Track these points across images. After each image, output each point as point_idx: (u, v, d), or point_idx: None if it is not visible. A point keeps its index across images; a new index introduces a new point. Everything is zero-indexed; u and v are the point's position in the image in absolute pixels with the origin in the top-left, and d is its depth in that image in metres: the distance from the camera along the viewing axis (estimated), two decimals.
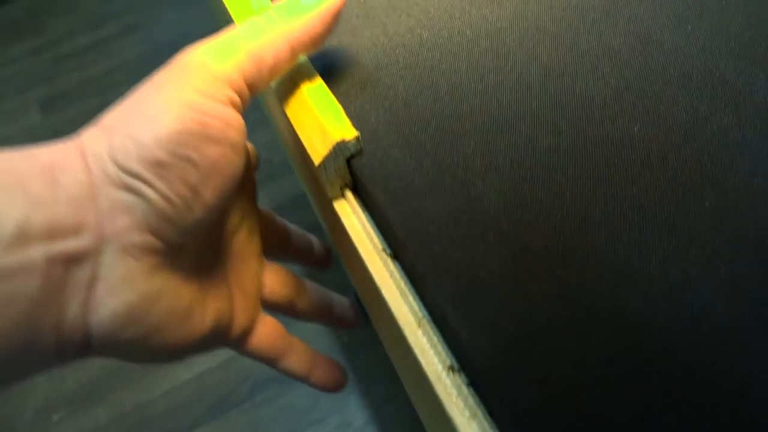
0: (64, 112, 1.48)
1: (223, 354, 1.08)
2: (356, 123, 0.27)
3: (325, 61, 0.30)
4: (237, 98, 0.23)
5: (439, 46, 0.30)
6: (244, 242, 0.29)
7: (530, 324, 0.20)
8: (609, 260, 0.21)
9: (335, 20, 0.26)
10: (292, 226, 0.36)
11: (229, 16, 0.34)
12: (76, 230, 0.20)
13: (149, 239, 0.21)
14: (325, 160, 0.25)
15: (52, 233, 0.19)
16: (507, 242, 0.22)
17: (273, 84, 0.29)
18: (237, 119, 0.23)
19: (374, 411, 1.01)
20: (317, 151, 0.26)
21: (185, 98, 0.21)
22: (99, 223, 0.20)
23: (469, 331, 0.21)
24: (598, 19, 0.29)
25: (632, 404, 0.18)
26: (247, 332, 0.29)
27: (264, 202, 1.29)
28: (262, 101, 0.48)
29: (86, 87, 1.52)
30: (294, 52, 0.25)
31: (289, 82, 0.28)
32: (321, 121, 0.26)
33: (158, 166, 0.21)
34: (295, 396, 1.04)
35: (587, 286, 0.21)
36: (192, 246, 0.24)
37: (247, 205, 0.29)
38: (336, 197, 0.27)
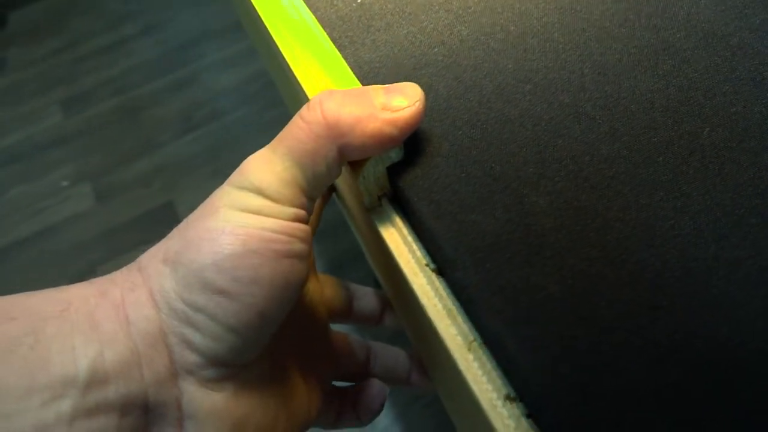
0: (85, 112, 1.48)
1: None
2: None
3: (360, 61, 0.28)
4: (303, 199, 0.22)
5: (481, 43, 0.28)
6: (308, 323, 0.28)
7: (599, 353, 0.18)
8: (683, 281, 0.19)
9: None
10: (355, 287, 0.34)
11: (254, 10, 0.32)
12: (148, 366, 0.19)
13: (222, 371, 0.20)
14: (365, 169, 0.24)
15: (127, 372, 0.19)
16: (567, 261, 0.20)
17: (305, 88, 0.27)
18: (301, 229, 0.21)
19: (399, 410, 0.99)
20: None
21: (241, 217, 0.20)
22: (171, 360, 0.20)
23: (528, 360, 0.19)
24: (654, 13, 0.27)
25: None
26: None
27: None
28: (288, 100, 0.46)
29: (106, 87, 1.52)
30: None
31: (323, 84, 0.26)
32: None
33: (222, 295, 0.19)
34: None
35: (660, 309, 0.19)
36: (265, 354, 0.23)
37: (308, 286, 0.28)
38: (374, 207, 0.26)
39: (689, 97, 0.23)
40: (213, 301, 0.19)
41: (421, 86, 0.26)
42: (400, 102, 0.22)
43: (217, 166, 1.32)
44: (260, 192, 0.21)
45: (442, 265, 0.23)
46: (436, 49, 0.28)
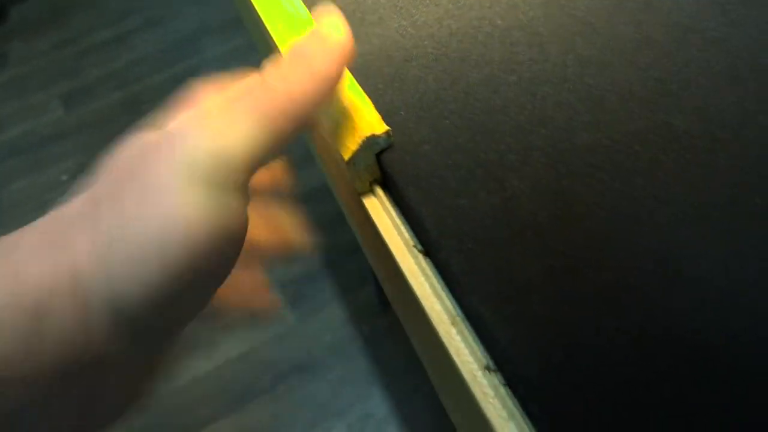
0: (86, 106, 1.49)
1: (242, 346, 1.08)
2: (386, 117, 0.26)
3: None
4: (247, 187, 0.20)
5: (469, 36, 0.29)
6: None
7: (573, 326, 0.19)
8: (657, 263, 0.20)
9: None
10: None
11: (252, 8, 0.33)
12: None
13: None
14: (355, 156, 0.25)
15: None
16: (546, 242, 0.21)
17: None
18: (242, 224, 0.19)
19: (397, 402, 1.01)
20: (346, 146, 0.25)
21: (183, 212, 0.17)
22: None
23: (507, 334, 0.20)
24: (637, 8, 0.28)
25: (682, 412, 0.17)
26: None
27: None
28: None
29: (108, 81, 1.53)
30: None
31: None
32: (350, 115, 0.25)
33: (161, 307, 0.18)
34: (316, 387, 1.04)
35: (634, 288, 0.20)
36: None
37: None
38: (365, 193, 0.27)
39: (667, 89, 0.25)
40: (152, 314, 0.18)
41: (411, 78, 0.28)
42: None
43: None
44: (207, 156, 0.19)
45: (428, 247, 0.24)
46: (425, 42, 0.29)
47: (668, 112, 0.24)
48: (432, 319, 0.22)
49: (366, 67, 0.29)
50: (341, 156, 0.25)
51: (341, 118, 0.26)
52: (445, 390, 0.26)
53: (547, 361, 0.19)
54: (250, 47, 1.59)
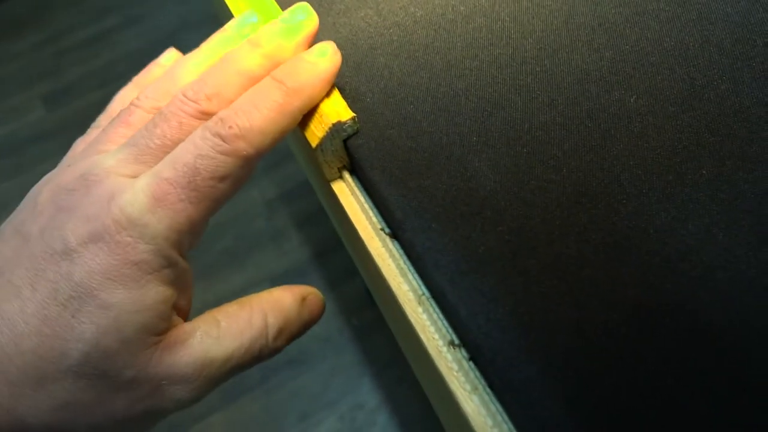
0: (68, 106, 1.48)
1: None
2: (352, 104, 0.27)
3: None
4: (175, 260, 0.22)
5: (433, 23, 0.29)
6: None
7: (528, 298, 0.20)
8: (607, 233, 0.21)
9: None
10: None
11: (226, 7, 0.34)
12: None
13: None
14: (322, 142, 0.26)
15: None
16: (504, 218, 0.22)
17: None
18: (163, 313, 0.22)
19: (387, 392, 1.02)
20: (314, 133, 0.26)
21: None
22: None
23: (467, 308, 0.21)
24: None
25: (629, 372, 0.18)
26: None
27: (270, 189, 1.29)
28: None
29: (89, 80, 1.53)
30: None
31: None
32: (317, 103, 0.26)
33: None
34: (306, 380, 1.05)
35: (585, 259, 0.21)
36: None
37: None
38: (334, 179, 0.27)
39: (619, 69, 0.25)
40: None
41: (377, 66, 0.28)
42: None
43: None
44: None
45: (394, 229, 0.25)
46: (391, 30, 0.30)
47: (620, 90, 0.25)
48: (399, 298, 0.23)
49: None
50: (309, 143, 0.26)
51: None
52: (417, 368, 0.27)
53: (505, 334, 0.20)
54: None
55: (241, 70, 0.24)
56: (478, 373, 0.21)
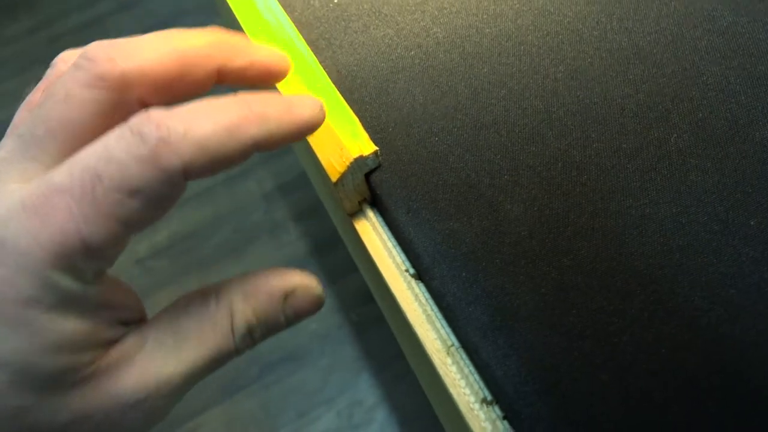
0: None
1: None
2: (373, 134, 0.26)
3: (339, 65, 0.28)
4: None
5: (456, 46, 0.28)
6: None
7: (567, 360, 0.19)
8: (646, 286, 0.20)
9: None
10: None
11: (232, 12, 0.32)
12: None
13: None
14: (343, 177, 0.24)
15: None
16: (540, 269, 0.21)
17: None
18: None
19: (386, 389, 1.01)
20: (334, 167, 0.24)
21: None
22: None
23: (503, 366, 0.20)
24: (625, 16, 0.27)
25: None
26: None
27: (268, 181, 1.27)
28: None
29: None
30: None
31: (296, 90, 0.27)
32: (337, 136, 0.24)
33: None
34: (304, 376, 1.04)
35: (627, 317, 0.20)
36: None
37: None
38: (355, 213, 0.26)
39: (657, 103, 0.24)
40: None
41: (398, 90, 0.27)
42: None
43: None
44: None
45: (421, 272, 0.23)
46: (412, 52, 0.28)
47: (660, 127, 0.23)
48: (426, 348, 0.22)
49: (351, 79, 0.28)
50: (329, 177, 0.25)
51: (328, 139, 0.25)
52: (444, 416, 0.26)
53: (542, 398, 0.19)
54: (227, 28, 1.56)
55: (180, 48, 0.19)
56: None
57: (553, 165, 0.23)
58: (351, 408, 1.00)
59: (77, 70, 0.17)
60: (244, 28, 0.30)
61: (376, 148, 0.24)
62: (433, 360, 0.22)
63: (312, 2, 0.31)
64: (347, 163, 0.24)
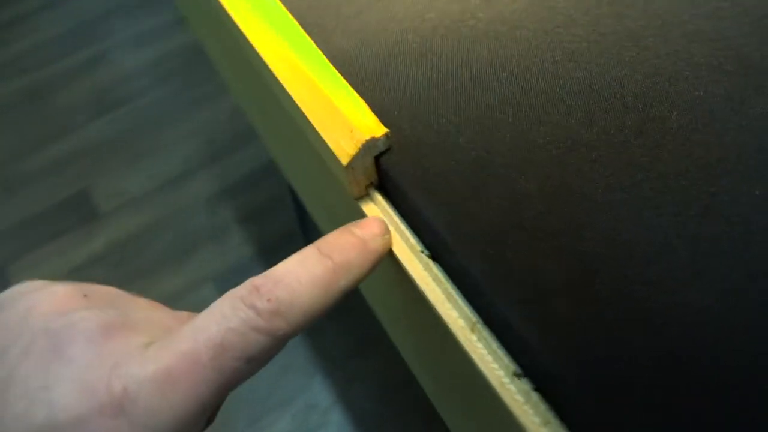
0: None
1: None
2: (379, 117, 0.25)
3: (334, 50, 0.28)
4: None
5: (452, 31, 0.28)
6: None
7: (601, 328, 0.20)
8: (665, 254, 0.21)
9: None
10: None
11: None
12: None
13: None
14: (353, 160, 0.24)
15: None
16: (562, 242, 0.21)
17: (274, 70, 0.27)
18: None
19: (340, 390, 1.00)
20: (344, 149, 0.24)
21: None
22: None
23: (538, 337, 0.20)
24: (615, 1, 0.28)
25: (720, 417, 0.18)
26: None
27: (212, 184, 1.24)
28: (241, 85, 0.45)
29: (8, 67, 1.42)
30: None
31: (298, 72, 0.26)
32: (347, 118, 0.24)
33: None
34: (257, 379, 1.01)
35: (652, 286, 0.20)
36: None
37: None
38: (361, 197, 0.26)
39: (655, 82, 0.25)
40: None
41: (399, 75, 0.27)
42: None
43: (135, 150, 1.27)
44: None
45: (438, 252, 0.23)
46: (408, 37, 0.28)
47: (660, 106, 0.24)
48: (450, 327, 0.22)
49: (349, 63, 0.28)
50: (337, 161, 0.24)
51: (334, 120, 0.24)
52: (464, 400, 0.26)
53: (580, 364, 0.19)
54: (165, 29, 1.51)
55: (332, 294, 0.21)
56: (548, 405, 0.20)
57: (563, 142, 0.24)
58: (306, 411, 0.99)
59: (252, 311, 0.19)
60: (239, 23, 0.29)
61: (387, 129, 0.24)
62: (459, 338, 0.22)
63: None
64: (359, 145, 0.24)
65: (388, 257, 0.24)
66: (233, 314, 0.19)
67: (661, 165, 0.23)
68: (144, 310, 0.22)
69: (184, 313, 0.23)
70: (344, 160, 0.24)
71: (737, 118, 0.24)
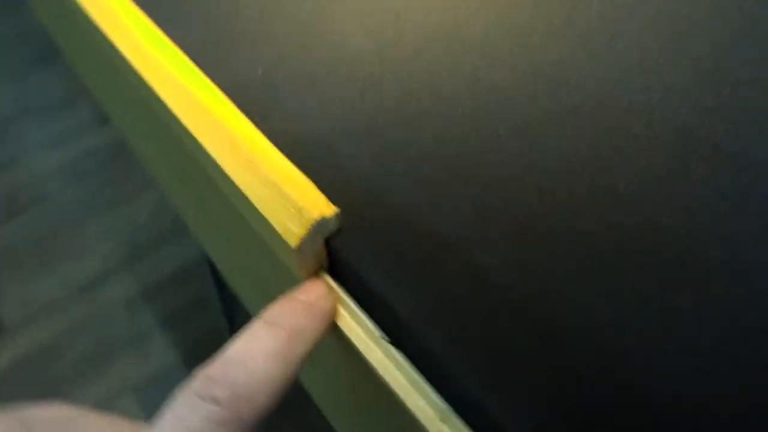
0: None
1: None
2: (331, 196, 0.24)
3: (272, 130, 0.27)
4: None
5: (395, 114, 0.28)
6: None
7: (581, 403, 0.18)
8: (640, 326, 0.20)
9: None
10: None
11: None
12: None
13: None
14: (303, 242, 0.22)
15: None
16: (527, 317, 0.20)
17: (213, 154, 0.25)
18: None
19: None
20: (291, 231, 0.22)
21: None
22: None
23: (511, 415, 0.18)
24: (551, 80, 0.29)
25: None
26: None
27: (129, 287, 1.18)
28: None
29: None
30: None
31: (238, 154, 0.25)
32: (293, 199, 0.23)
33: None
34: None
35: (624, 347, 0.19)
36: None
37: None
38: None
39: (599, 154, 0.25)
40: None
41: (343, 154, 0.26)
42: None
43: (46, 255, 1.19)
44: None
45: (399, 335, 0.22)
46: (352, 116, 0.28)
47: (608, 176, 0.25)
48: (417, 417, 0.20)
49: (291, 148, 0.27)
50: (285, 244, 0.23)
51: (281, 203, 0.23)
52: None
53: None
54: (79, 129, 1.47)
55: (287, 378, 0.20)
56: None
57: (520, 214, 0.23)
58: None
59: (212, 405, 0.17)
60: (170, 103, 0.28)
61: (337, 209, 0.23)
62: (429, 430, 0.20)
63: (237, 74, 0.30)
64: (308, 226, 0.22)
65: (343, 344, 0.23)
66: (192, 414, 0.17)
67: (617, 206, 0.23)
68: (97, 429, 0.19)
69: (143, 425, 0.20)
70: (294, 242, 0.22)
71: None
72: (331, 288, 0.23)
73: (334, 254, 0.24)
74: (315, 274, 0.24)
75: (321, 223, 0.23)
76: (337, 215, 0.23)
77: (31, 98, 1.49)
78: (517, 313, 0.21)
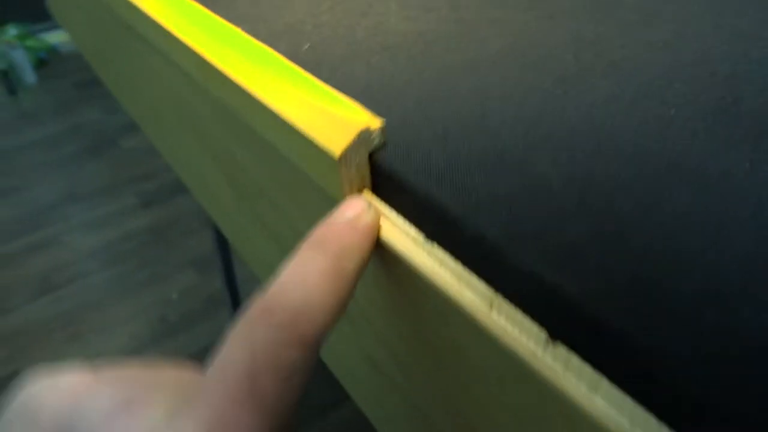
0: None
1: None
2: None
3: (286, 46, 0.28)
4: None
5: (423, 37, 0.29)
6: None
7: (636, 283, 0.17)
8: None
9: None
10: None
11: None
12: None
13: None
14: (346, 153, 0.22)
15: None
16: (587, 206, 0.20)
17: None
18: None
19: None
20: (336, 142, 0.22)
21: None
22: None
23: (576, 286, 0.17)
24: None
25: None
26: None
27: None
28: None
29: None
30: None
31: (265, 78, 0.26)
32: (335, 114, 0.23)
33: None
34: None
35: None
36: None
37: None
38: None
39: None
40: None
41: (382, 69, 0.26)
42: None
43: (74, 329, 1.19)
44: None
45: (444, 231, 0.21)
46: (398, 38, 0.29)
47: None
48: (467, 310, 0.19)
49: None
50: (327, 158, 0.23)
51: (322, 118, 0.23)
52: (491, 387, 0.22)
53: (623, 315, 0.16)
54: (120, 214, 1.52)
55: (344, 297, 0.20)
56: (589, 368, 0.17)
57: (572, 132, 0.23)
58: None
59: (272, 328, 0.18)
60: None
61: (382, 122, 0.23)
62: (478, 318, 0.19)
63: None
64: (353, 136, 0.22)
65: (391, 255, 0.22)
66: (257, 338, 0.17)
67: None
68: (166, 377, 0.18)
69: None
70: (337, 151, 0.22)
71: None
72: (368, 203, 0.22)
73: (380, 171, 0.23)
74: (358, 191, 0.24)
75: (365, 134, 0.23)
76: (382, 128, 0.23)
77: (79, 185, 1.56)
78: (573, 206, 0.20)
